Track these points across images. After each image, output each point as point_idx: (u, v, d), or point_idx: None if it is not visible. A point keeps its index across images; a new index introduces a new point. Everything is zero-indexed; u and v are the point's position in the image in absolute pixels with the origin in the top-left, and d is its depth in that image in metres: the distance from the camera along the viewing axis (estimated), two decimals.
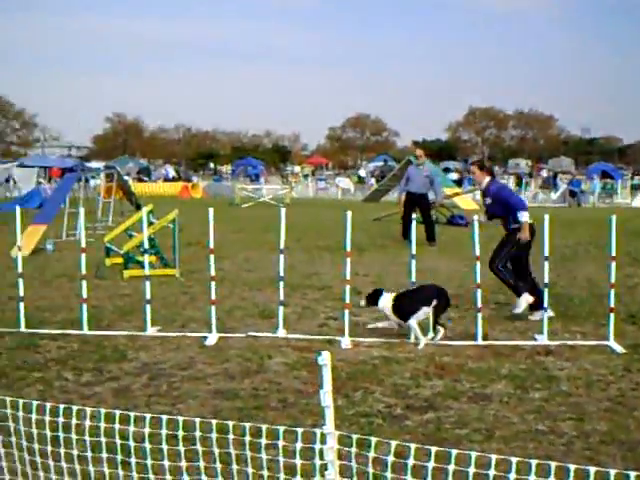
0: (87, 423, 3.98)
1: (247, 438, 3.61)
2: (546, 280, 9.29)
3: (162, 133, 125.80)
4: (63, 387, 7.35)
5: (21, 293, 9.68)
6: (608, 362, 8.24)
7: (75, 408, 4.05)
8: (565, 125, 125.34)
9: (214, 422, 3.69)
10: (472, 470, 3.22)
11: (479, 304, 9.17)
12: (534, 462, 3.10)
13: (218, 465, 3.77)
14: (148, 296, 9.54)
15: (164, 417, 3.81)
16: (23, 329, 9.54)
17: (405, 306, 9.12)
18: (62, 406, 4.06)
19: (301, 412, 6.54)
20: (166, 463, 3.81)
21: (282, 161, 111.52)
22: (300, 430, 3.53)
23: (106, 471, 4.07)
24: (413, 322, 9.00)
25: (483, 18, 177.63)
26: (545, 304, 9.38)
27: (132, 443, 3.91)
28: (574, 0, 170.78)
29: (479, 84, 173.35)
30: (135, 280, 13.03)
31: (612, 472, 3.05)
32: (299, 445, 3.53)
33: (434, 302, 9.05)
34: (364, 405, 6.74)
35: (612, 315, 9.15)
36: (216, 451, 3.74)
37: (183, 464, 3.78)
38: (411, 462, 3.30)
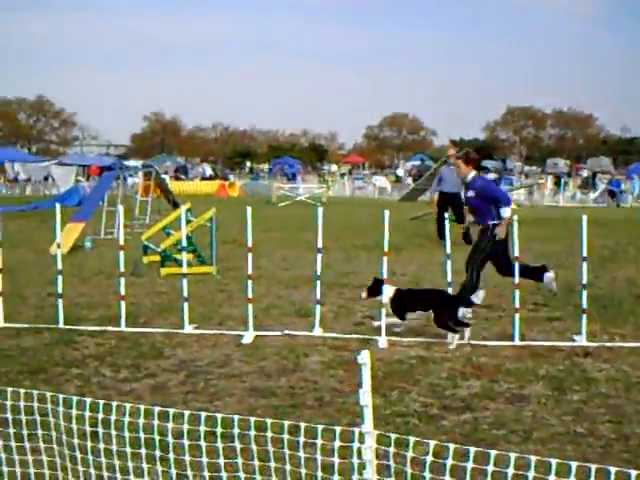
0: (126, 419, 4.00)
1: (285, 436, 3.61)
2: (584, 281, 9.20)
3: (199, 132, 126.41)
4: (101, 383, 7.41)
5: (60, 290, 9.77)
6: None
7: (115, 404, 4.08)
8: (604, 124, 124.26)
9: (252, 420, 3.69)
10: (511, 471, 3.19)
11: (517, 304, 9.11)
12: (574, 464, 3.07)
13: (256, 462, 3.78)
14: (185, 294, 9.58)
15: (202, 414, 3.82)
16: (62, 325, 9.64)
17: (403, 303, 9.22)
18: (101, 402, 4.09)
19: (337, 411, 6.54)
20: (204, 460, 3.82)
21: (319, 160, 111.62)
22: (338, 429, 3.52)
23: (145, 467, 4.10)
24: (404, 319, 9.21)
25: (522, 17, 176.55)
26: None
27: (170, 439, 3.93)
28: None
29: (518, 83, 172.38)
30: (172, 278, 13.11)
31: None
32: (337, 444, 3.52)
33: (431, 311, 9.08)
34: (400, 405, 6.73)
35: None
36: (254, 448, 3.75)
37: (221, 461, 3.79)
38: (449, 462, 3.29)
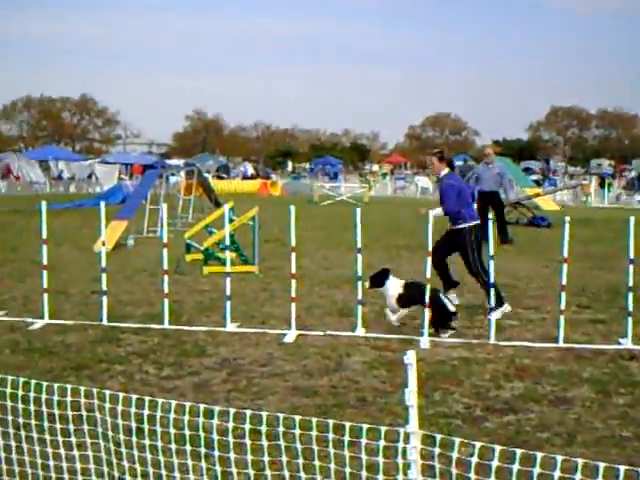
0: (172, 416, 4.02)
1: (330, 435, 3.61)
2: (630, 283, 9.09)
3: (241, 131, 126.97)
4: (144, 380, 7.46)
5: (104, 287, 9.86)
6: None
7: (160, 401, 4.11)
8: None
9: (297, 418, 3.69)
10: (557, 474, 3.16)
11: (562, 306, 9.02)
12: (622, 468, 3.03)
13: (300, 461, 3.78)
14: (228, 292, 9.62)
15: (248, 412, 3.83)
16: (105, 323, 9.72)
17: (411, 296, 9.34)
18: (147, 398, 4.12)
19: (380, 411, 6.53)
20: (249, 457, 3.83)
21: (360, 160, 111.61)
22: (383, 428, 3.51)
23: (189, 463, 4.12)
24: (405, 311, 9.35)
25: (566, 15, 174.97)
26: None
27: (215, 437, 3.95)
28: None
29: (562, 83, 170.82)
30: (214, 276, 13.17)
31: None
32: (382, 443, 3.51)
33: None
34: (443, 405, 6.70)
35: None
36: (299, 447, 3.75)
37: (265, 459, 3.79)
38: (495, 464, 3.26)
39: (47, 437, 4.51)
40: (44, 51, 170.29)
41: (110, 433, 4.30)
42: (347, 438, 3.58)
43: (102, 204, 10.25)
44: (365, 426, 3.62)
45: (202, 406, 3.98)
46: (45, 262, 9.93)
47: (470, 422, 6.31)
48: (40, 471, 4.50)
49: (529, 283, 13.15)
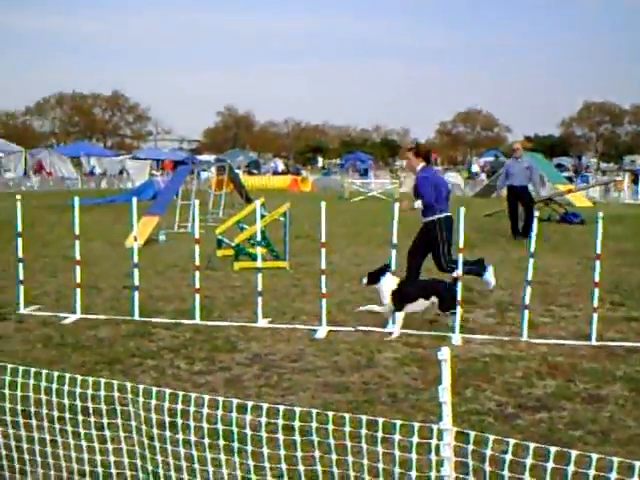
0: (205, 411, 4.04)
1: (363, 431, 3.61)
2: None
3: (272, 127, 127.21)
4: (176, 375, 7.49)
5: (136, 282, 9.91)
6: None
7: (193, 395, 4.13)
8: None
9: (330, 414, 3.69)
10: (592, 472, 3.14)
11: (595, 303, 8.94)
12: None
13: (333, 456, 3.78)
14: (259, 288, 9.64)
15: (281, 407, 3.84)
16: (137, 317, 9.78)
17: (405, 294, 9.22)
18: (180, 393, 4.14)
19: (411, 407, 6.51)
20: (282, 452, 3.84)
21: (391, 155, 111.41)
22: (416, 425, 3.50)
23: (222, 458, 4.14)
24: (403, 312, 9.17)
25: (599, 10, 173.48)
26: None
27: (248, 431, 3.96)
28: None
29: (594, 78, 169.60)
30: (246, 272, 13.21)
31: None
32: (415, 440, 3.51)
33: (433, 298, 9.19)
34: (475, 402, 6.67)
35: None
36: (332, 442, 3.75)
37: (299, 454, 3.80)
38: (529, 462, 3.25)
39: (81, 430, 4.54)
40: (76, 48, 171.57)
41: (143, 427, 4.33)
42: (380, 434, 3.57)
43: (134, 200, 10.30)
44: (398, 422, 3.62)
45: (235, 401, 3.99)
46: (77, 257, 10.01)
47: (502, 419, 6.28)
48: (74, 464, 4.54)
49: (561, 280, 13.07)
